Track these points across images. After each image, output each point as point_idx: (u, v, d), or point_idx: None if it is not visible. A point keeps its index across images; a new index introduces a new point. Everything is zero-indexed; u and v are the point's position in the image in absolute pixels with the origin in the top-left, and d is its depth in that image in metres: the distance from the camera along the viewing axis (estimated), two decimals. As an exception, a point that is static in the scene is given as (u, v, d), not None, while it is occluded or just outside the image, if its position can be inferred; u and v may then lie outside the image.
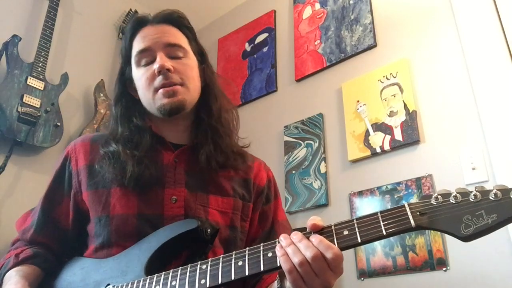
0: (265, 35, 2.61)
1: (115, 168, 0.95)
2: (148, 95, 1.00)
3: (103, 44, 2.62)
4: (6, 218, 1.91)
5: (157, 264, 0.85)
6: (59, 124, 2.07)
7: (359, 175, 1.87)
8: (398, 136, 1.78)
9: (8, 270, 0.95)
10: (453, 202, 0.65)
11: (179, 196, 0.95)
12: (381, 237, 0.67)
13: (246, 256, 0.74)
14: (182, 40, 1.05)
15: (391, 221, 0.67)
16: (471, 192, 0.65)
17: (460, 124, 1.67)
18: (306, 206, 1.95)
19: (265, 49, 2.57)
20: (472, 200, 0.64)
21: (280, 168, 2.12)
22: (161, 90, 0.98)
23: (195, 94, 1.04)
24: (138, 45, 1.03)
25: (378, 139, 1.84)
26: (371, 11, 2.11)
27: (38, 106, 2.00)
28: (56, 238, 1.03)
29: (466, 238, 0.63)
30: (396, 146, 1.77)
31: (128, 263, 0.86)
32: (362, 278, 1.69)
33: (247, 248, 0.76)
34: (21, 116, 1.92)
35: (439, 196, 0.67)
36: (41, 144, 2.00)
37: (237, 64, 2.67)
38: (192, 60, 1.06)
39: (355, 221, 0.70)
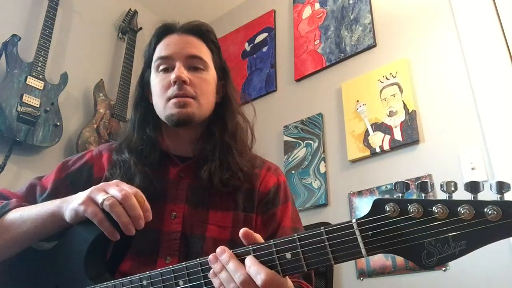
0: (264, 35, 2.61)
1: (123, 178, 0.95)
2: (160, 102, 1.01)
3: (103, 44, 2.62)
4: (5, 218, 1.91)
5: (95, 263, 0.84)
6: (58, 123, 2.07)
7: (359, 175, 1.87)
8: (398, 136, 1.78)
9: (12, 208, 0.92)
10: (413, 216, 0.53)
11: (179, 212, 0.96)
12: (329, 264, 0.59)
13: (186, 277, 0.71)
14: (205, 53, 1.06)
15: (339, 247, 0.57)
16: (434, 204, 0.52)
17: (459, 124, 1.67)
18: (306, 206, 1.95)
19: (264, 49, 2.57)
20: (436, 217, 0.52)
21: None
22: (173, 100, 0.99)
23: (206, 109, 1.04)
24: (160, 51, 1.04)
25: (377, 139, 1.84)
26: (370, 11, 2.11)
27: (38, 106, 2.00)
28: None
29: (427, 267, 0.53)
30: (395, 146, 1.77)
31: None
32: (361, 278, 1.69)
33: (185, 263, 0.72)
34: (20, 115, 1.91)
35: (395, 208, 0.55)
36: (40, 143, 2.00)
37: (237, 64, 2.67)
38: (210, 75, 1.06)
39: (298, 242, 0.61)
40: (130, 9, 2.71)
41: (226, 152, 1.01)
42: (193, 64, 1.03)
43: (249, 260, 0.64)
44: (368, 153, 1.85)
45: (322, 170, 1.98)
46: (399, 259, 1.61)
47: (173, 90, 0.99)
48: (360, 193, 1.82)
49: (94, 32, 2.59)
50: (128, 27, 2.65)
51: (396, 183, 0.57)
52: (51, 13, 2.17)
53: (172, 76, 0.99)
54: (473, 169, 1.56)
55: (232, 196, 1.00)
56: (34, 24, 2.24)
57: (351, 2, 2.22)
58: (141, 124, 1.06)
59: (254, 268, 0.62)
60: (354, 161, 1.90)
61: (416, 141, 1.73)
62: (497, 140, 1.54)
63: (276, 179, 1.08)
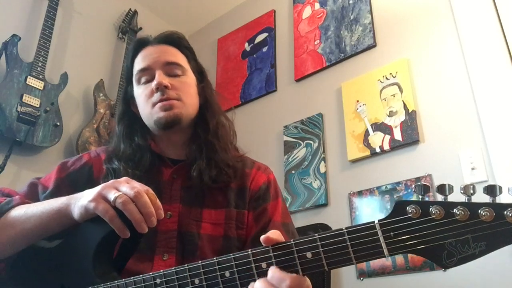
0: (264, 35, 2.61)
1: None
2: (147, 110, 1.05)
3: (103, 44, 2.62)
4: (5, 218, 1.91)
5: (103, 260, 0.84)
6: (58, 123, 2.07)
7: (359, 175, 1.87)
8: (398, 136, 1.78)
9: (15, 205, 0.93)
10: (434, 218, 0.54)
11: (174, 212, 0.99)
12: (350, 264, 0.60)
13: (202, 275, 0.71)
14: (181, 59, 1.10)
15: (361, 247, 0.58)
16: (455, 206, 0.53)
17: (459, 124, 1.67)
18: (306, 206, 1.95)
19: (264, 49, 2.57)
20: (457, 219, 0.53)
21: (279, 168, 2.12)
22: (158, 104, 1.02)
23: (192, 109, 1.08)
24: (138, 64, 1.08)
25: (377, 139, 1.84)
26: (370, 11, 2.11)
27: (38, 106, 2.00)
28: None
29: (447, 267, 0.55)
30: (395, 146, 1.77)
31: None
32: (361, 278, 1.69)
33: (201, 262, 0.72)
34: (20, 115, 1.92)
35: (416, 209, 0.56)
36: (40, 143, 2.00)
37: (237, 64, 2.67)
38: (190, 78, 1.10)
39: (319, 242, 0.61)
40: (130, 9, 2.71)
41: (211, 150, 1.05)
42: (172, 70, 1.07)
43: (271, 271, 0.63)
44: (368, 153, 1.85)
45: (322, 170, 1.98)
46: (399, 259, 1.61)
47: (156, 96, 1.03)
48: (360, 193, 1.82)
49: (94, 32, 2.59)
50: (128, 27, 2.65)
51: (416, 185, 0.59)
52: (51, 13, 2.17)
53: (153, 83, 1.03)
54: (473, 169, 1.56)
55: (224, 195, 1.04)
56: (34, 24, 2.24)
57: (351, 2, 2.22)
58: (128, 135, 1.09)
59: (275, 279, 0.62)
60: (354, 161, 1.90)
61: (416, 141, 1.73)
62: (497, 140, 1.54)
63: (266, 177, 1.12)
